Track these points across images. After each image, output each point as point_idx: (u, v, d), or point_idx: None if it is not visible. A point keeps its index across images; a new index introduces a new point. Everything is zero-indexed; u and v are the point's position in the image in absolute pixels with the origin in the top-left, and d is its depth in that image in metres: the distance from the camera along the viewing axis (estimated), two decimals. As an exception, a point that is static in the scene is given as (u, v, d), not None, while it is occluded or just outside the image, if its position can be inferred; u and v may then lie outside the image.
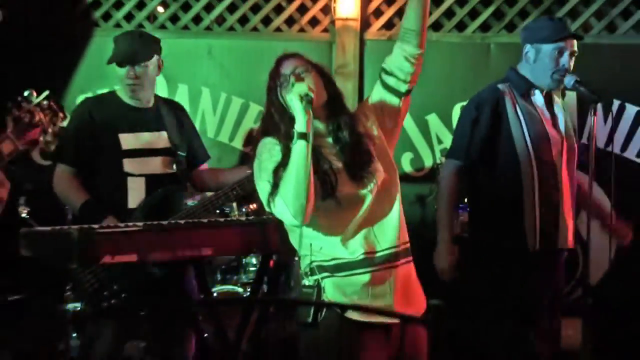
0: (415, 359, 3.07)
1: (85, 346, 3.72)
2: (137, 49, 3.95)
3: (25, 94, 2.20)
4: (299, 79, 2.99)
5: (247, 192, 3.90)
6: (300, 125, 2.89)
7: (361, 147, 3.04)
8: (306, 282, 3.01)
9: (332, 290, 2.98)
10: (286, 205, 2.86)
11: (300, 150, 2.86)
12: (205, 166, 4.22)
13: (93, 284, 3.63)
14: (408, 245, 3.11)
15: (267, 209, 2.99)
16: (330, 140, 3.08)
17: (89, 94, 6.33)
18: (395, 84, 3.17)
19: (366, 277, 2.98)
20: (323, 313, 2.94)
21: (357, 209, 2.99)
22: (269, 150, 3.02)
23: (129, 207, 3.81)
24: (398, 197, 3.10)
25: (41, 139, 2.21)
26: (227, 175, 4.14)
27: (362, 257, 2.98)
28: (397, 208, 3.08)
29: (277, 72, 3.09)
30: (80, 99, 6.39)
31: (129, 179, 3.84)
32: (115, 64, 3.91)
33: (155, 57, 4.02)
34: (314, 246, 2.99)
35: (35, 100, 2.18)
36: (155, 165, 3.90)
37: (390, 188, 3.08)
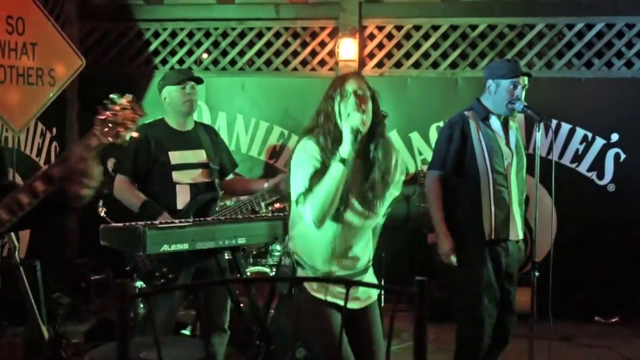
0: (372, 333, 2.91)
1: (148, 314, 3.67)
2: (192, 75, 3.96)
3: (111, 96, 2.18)
4: (360, 108, 2.70)
5: (268, 200, 3.90)
6: (344, 152, 2.63)
7: (379, 186, 2.78)
8: (284, 261, 2.85)
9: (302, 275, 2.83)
10: (312, 211, 2.66)
11: (337, 172, 2.63)
12: (232, 176, 4.14)
13: (147, 265, 3.60)
14: (370, 264, 2.93)
15: (293, 202, 2.76)
16: (360, 161, 2.79)
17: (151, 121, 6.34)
18: None
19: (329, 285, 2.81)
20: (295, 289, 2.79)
21: (349, 235, 2.80)
22: (311, 155, 2.73)
23: (178, 208, 3.76)
24: (376, 232, 2.94)
25: (123, 132, 2.18)
26: (250, 185, 4.07)
27: (331, 274, 2.80)
28: (371, 241, 2.90)
29: (342, 85, 2.75)
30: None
31: (177, 186, 3.78)
32: (182, 82, 3.84)
33: None
34: (302, 247, 2.82)
35: (119, 102, 2.14)
36: (196, 175, 3.85)
37: (376, 229, 2.91)
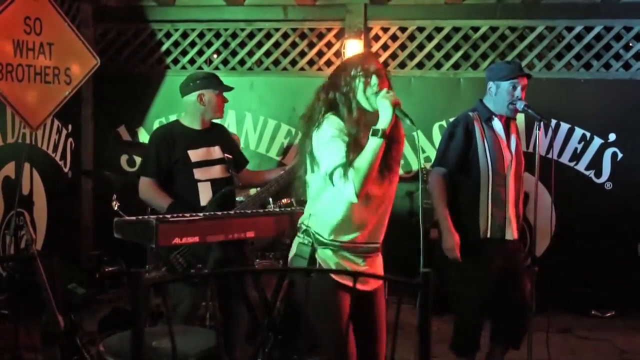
0: (378, 317, 2.93)
1: (170, 307, 3.65)
2: (229, 87, 4.01)
3: None
4: (387, 85, 2.78)
5: (281, 187, 3.87)
6: (384, 124, 2.66)
7: (394, 154, 2.83)
8: (302, 239, 2.85)
9: (322, 255, 2.80)
10: (353, 184, 2.63)
11: (377, 145, 2.65)
12: (246, 169, 4.17)
13: (182, 264, 3.61)
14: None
15: (326, 174, 2.71)
16: None
17: (163, 119, 6.36)
18: None
19: (349, 256, 2.81)
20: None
21: (371, 207, 2.77)
22: (339, 130, 2.72)
23: (201, 205, 3.75)
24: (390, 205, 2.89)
25: None
26: (265, 175, 4.10)
27: (352, 244, 2.79)
28: (387, 214, 2.88)
29: (365, 63, 2.79)
30: (156, 122, 6.42)
31: (199, 184, 3.77)
32: (221, 89, 3.93)
33: None
34: (325, 220, 2.79)
35: None
36: (216, 172, 3.84)
37: (392, 197, 2.88)
